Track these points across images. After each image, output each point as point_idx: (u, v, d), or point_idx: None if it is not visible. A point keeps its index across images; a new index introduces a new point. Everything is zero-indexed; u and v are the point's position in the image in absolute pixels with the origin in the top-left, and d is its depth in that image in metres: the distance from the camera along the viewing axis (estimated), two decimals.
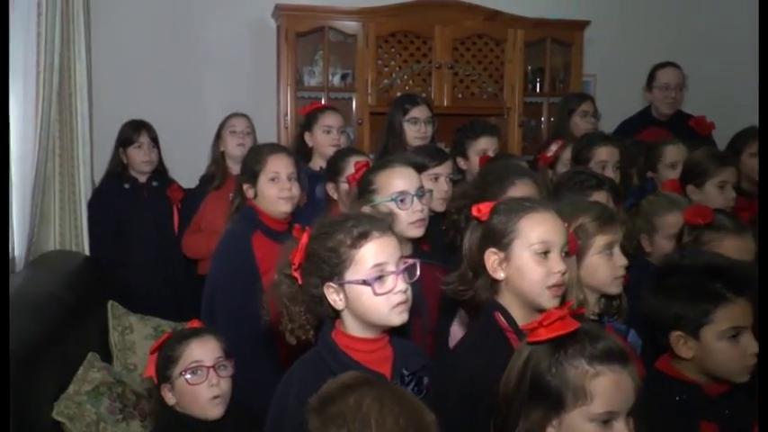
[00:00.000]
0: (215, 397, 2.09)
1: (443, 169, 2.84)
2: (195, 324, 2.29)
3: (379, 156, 3.45)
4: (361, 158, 2.77)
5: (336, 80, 4.58)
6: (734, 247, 2.18)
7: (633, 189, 3.19)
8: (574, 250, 1.94)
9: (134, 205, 3.72)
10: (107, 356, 3.06)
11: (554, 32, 4.74)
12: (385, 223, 1.68)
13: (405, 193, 2.24)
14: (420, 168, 2.61)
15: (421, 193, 2.29)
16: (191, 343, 2.14)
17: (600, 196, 2.49)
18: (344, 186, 2.76)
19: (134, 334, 3.22)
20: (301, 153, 3.37)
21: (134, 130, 3.74)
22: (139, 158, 3.73)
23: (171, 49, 4.49)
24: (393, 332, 1.71)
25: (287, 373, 1.74)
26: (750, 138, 3.34)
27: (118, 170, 3.76)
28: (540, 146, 4.17)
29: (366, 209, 2.19)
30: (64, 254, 3.56)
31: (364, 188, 2.32)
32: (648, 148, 3.48)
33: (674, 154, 3.35)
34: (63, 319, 2.74)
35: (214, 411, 2.10)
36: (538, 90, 4.86)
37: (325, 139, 3.46)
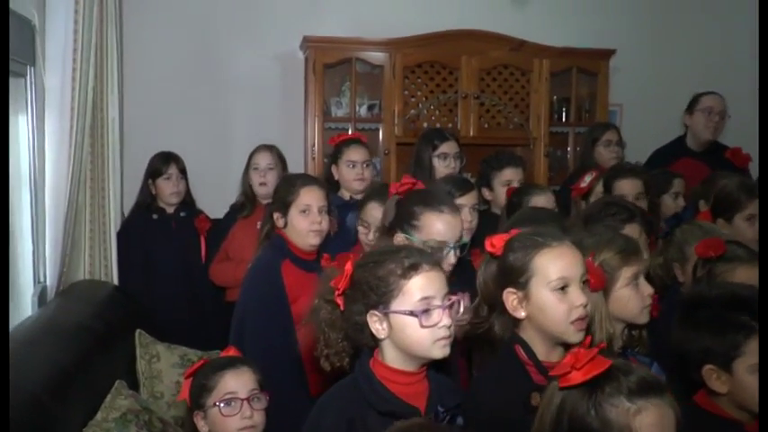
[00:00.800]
0: (245, 428, 2.09)
1: (467, 200, 2.84)
2: (231, 352, 2.29)
3: None
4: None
5: (363, 111, 4.61)
6: (747, 276, 2.15)
7: (669, 218, 3.15)
8: (601, 286, 1.92)
9: (162, 236, 3.77)
10: (134, 384, 3.07)
11: (580, 62, 4.75)
12: (435, 258, 1.69)
13: (445, 244, 2.17)
14: None
15: (458, 245, 2.22)
16: (226, 374, 2.14)
17: (632, 228, 2.46)
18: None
19: (161, 362, 3.23)
20: (330, 183, 3.39)
21: (163, 162, 3.80)
22: (168, 190, 3.78)
23: (200, 81, 4.57)
24: (436, 366, 1.70)
25: (320, 400, 1.73)
26: None
27: (147, 201, 3.82)
28: (569, 176, 4.16)
29: (400, 238, 2.20)
30: (93, 283, 3.60)
31: (406, 217, 2.22)
32: (704, 181, 3.40)
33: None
34: (92, 347, 2.76)
35: None
36: (564, 120, 4.85)
37: (350, 174, 3.46)
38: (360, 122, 4.56)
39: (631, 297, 1.99)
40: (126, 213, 3.92)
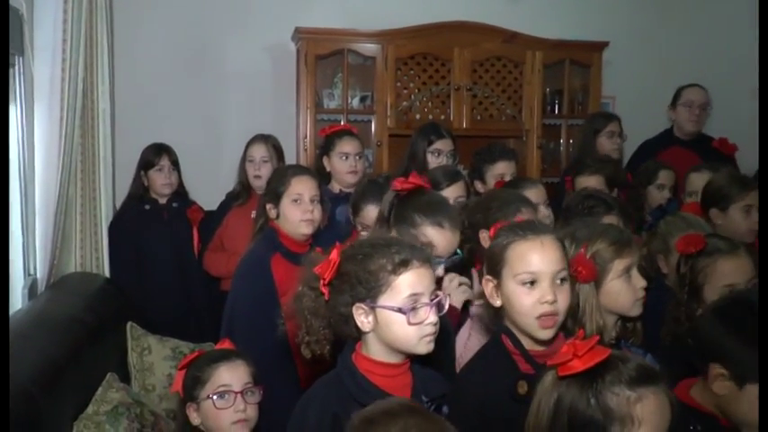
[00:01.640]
0: (238, 421, 2.09)
1: (452, 191, 2.85)
2: (226, 344, 2.28)
3: None
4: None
5: (356, 102, 4.60)
6: (729, 267, 2.15)
7: (654, 210, 3.16)
8: (592, 278, 1.93)
9: (154, 227, 3.75)
10: (126, 377, 3.07)
11: (573, 54, 4.74)
12: (425, 254, 1.68)
13: (437, 257, 2.10)
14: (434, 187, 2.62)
15: (450, 261, 2.19)
16: (220, 366, 2.14)
17: (610, 220, 2.46)
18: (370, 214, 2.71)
19: (152, 355, 3.23)
20: (321, 175, 3.38)
21: (155, 154, 3.77)
22: (160, 181, 3.76)
23: (192, 72, 4.55)
24: (419, 359, 1.70)
25: (304, 395, 1.73)
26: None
27: (139, 193, 3.80)
28: (567, 167, 4.16)
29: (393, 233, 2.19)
30: (84, 276, 3.59)
31: (405, 221, 2.18)
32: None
33: (695, 183, 3.33)
34: (83, 340, 2.75)
35: None
36: (556, 112, 4.85)
37: (342, 166, 3.44)
38: (352, 114, 4.55)
39: (623, 289, 1.99)
40: (118, 206, 3.90)
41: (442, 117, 4.51)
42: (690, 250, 2.22)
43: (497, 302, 1.79)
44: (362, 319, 1.64)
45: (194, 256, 3.78)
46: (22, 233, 3.37)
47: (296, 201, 2.69)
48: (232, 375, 2.13)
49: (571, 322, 1.90)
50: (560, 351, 1.41)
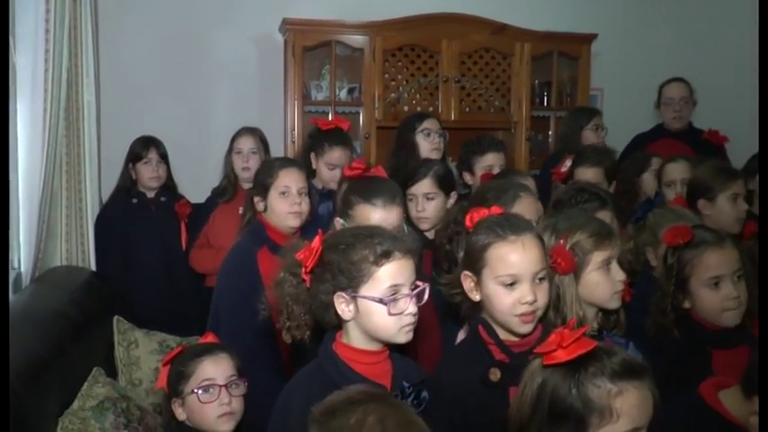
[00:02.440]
0: (224, 414, 2.08)
1: (418, 189, 2.83)
2: (209, 338, 2.27)
3: (390, 175, 3.42)
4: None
5: (343, 94, 4.58)
6: (715, 259, 2.15)
7: (641, 203, 3.17)
8: (571, 269, 1.93)
9: (142, 220, 3.71)
10: (112, 372, 3.04)
11: (561, 46, 4.74)
12: (407, 245, 1.69)
13: None
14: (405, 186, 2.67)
15: None
16: (204, 360, 2.12)
17: (603, 215, 2.45)
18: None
19: (139, 349, 3.20)
20: (307, 168, 3.34)
21: (143, 147, 3.73)
22: (148, 174, 3.72)
23: (178, 64, 4.51)
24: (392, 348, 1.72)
25: (285, 388, 1.74)
26: (748, 173, 3.28)
27: (127, 186, 3.76)
28: (549, 158, 4.16)
29: (339, 223, 2.26)
30: (70, 269, 3.56)
31: (344, 204, 2.30)
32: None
33: (673, 172, 3.34)
34: (68, 334, 2.73)
35: (223, 427, 2.09)
36: (545, 104, 4.85)
37: (328, 175, 3.32)
38: (340, 106, 4.53)
39: (601, 281, 1.98)
40: (104, 198, 3.86)
41: (431, 109, 4.48)
42: (677, 242, 2.22)
43: (476, 297, 1.79)
44: (343, 307, 1.66)
45: (182, 251, 3.74)
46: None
47: (283, 193, 2.67)
48: (216, 369, 2.12)
49: (553, 313, 1.91)
50: (547, 340, 1.41)
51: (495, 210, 1.88)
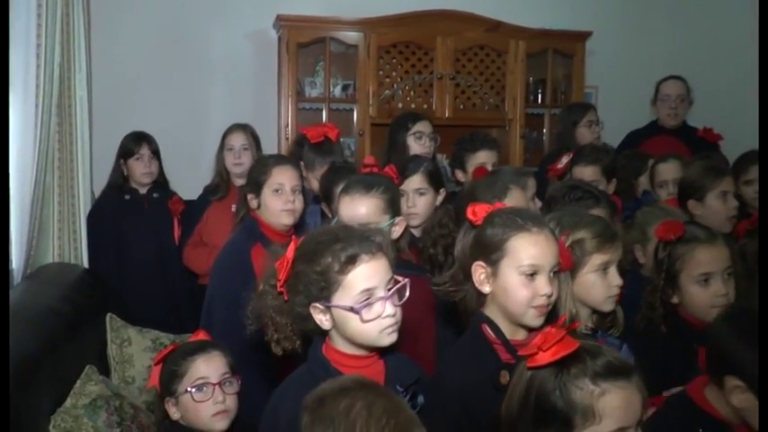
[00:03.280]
0: (218, 412, 2.08)
1: (409, 185, 2.81)
2: (200, 336, 2.26)
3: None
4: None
5: (337, 91, 4.57)
6: (706, 256, 2.16)
7: (630, 201, 3.18)
8: (568, 266, 1.91)
9: (134, 217, 3.69)
10: (105, 369, 3.03)
11: (556, 43, 4.74)
12: (375, 244, 1.62)
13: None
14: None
15: (390, 223, 2.25)
16: (196, 359, 2.11)
17: (597, 213, 2.45)
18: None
19: (132, 347, 3.19)
20: None
21: (135, 143, 3.71)
22: (140, 170, 3.70)
23: (172, 60, 4.48)
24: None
25: (274, 393, 1.71)
26: (747, 164, 3.29)
27: (119, 182, 3.74)
28: (546, 156, 4.16)
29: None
30: (62, 266, 3.54)
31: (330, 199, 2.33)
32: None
33: (664, 173, 3.34)
34: (61, 331, 2.71)
35: (218, 425, 2.09)
36: (539, 101, 4.85)
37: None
38: (334, 103, 4.52)
39: (597, 283, 1.98)
40: (96, 195, 3.84)
41: (425, 106, 4.49)
42: (669, 237, 2.23)
43: (487, 289, 1.76)
44: (320, 317, 1.63)
45: (175, 247, 3.73)
46: None
47: (277, 191, 2.67)
48: (209, 367, 2.11)
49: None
50: (531, 342, 1.40)
51: (499, 205, 1.86)
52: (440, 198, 2.88)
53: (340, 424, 1.31)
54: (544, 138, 4.90)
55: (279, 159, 2.84)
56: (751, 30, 3.96)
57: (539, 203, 2.89)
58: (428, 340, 2.32)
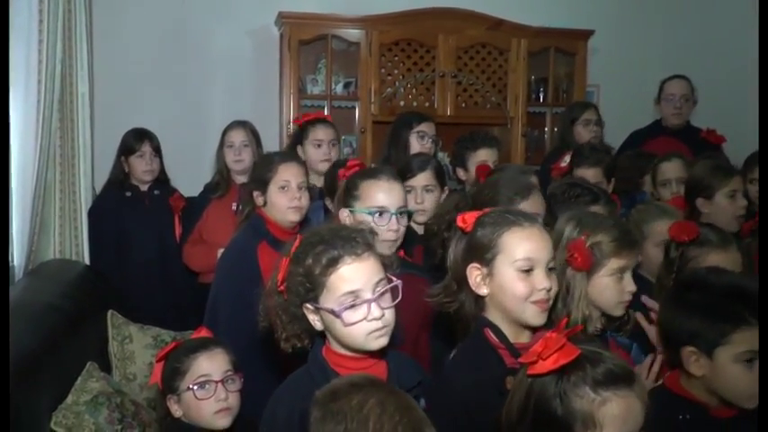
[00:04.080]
0: (221, 410, 2.07)
1: (419, 181, 2.83)
2: (202, 333, 2.25)
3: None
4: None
5: (339, 88, 4.56)
6: (719, 261, 2.14)
7: (624, 199, 3.18)
8: (586, 266, 1.92)
9: (135, 213, 3.68)
10: (106, 366, 3.02)
11: (558, 42, 4.73)
12: (360, 245, 1.59)
13: (384, 208, 2.20)
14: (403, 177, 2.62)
15: (402, 211, 2.24)
16: (199, 356, 2.11)
17: (595, 209, 2.46)
18: None
19: (134, 343, 3.18)
20: None
21: (136, 140, 3.70)
22: (141, 168, 3.70)
23: (173, 57, 4.48)
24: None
25: (274, 393, 1.70)
26: (753, 164, 3.28)
27: (119, 179, 3.73)
28: (548, 155, 4.16)
29: (344, 213, 2.23)
30: (63, 263, 3.53)
31: (349, 191, 2.28)
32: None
33: (667, 171, 3.34)
34: (62, 328, 2.70)
35: (220, 423, 2.08)
36: (541, 100, 4.85)
37: (316, 154, 3.41)
38: (336, 100, 4.51)
39: (609, 287, 1.97)
40: (97, 191, 3.83)
41: (427, 104, 4.48)
42: (682, 238, 2.22)
43: (484, 291, 1.74)
44: (312, 317, 1.62)
45: (176, 244, 3.72)
46: None
47: (283, 188, 2.66)
48: (211, 364, 2.10)
49: (561, 307, 1.91)
50: (530, 350, 1.38)
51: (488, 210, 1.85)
52: (443, 196, 2.89)
53: (353, 419, 1.29)
54: (545, 136, 4.90)
55: (285, 156, 2.84)
56: (752, 28, 3.98)
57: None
58: (426, 341, 2.32)
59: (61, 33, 3.39)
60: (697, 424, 1.72)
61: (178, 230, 3.75)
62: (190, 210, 3.76)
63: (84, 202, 3.64)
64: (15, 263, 3.33)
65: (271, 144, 4.08)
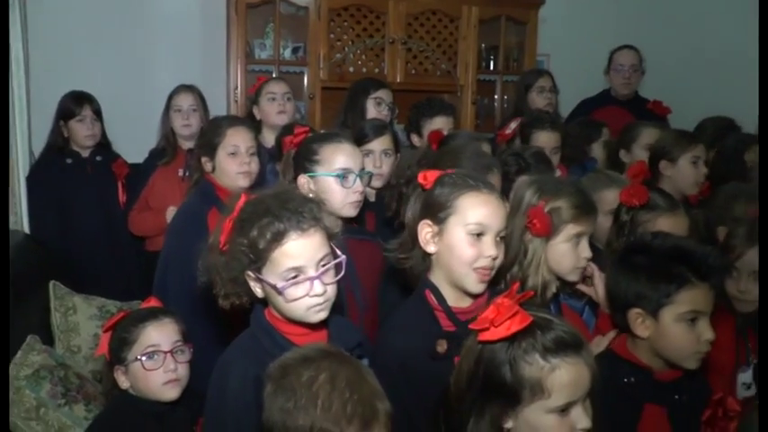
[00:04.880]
0: (169, 381, 2.03)
1: (378, 144, 2.81)
2: (152, 303, 2.19)
3: None
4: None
5: (288, 54, 4.50)
6: (668, 225, 2.20)
7: (573, 167, 3.21)
8: (545, 233, 1.93)
9: (77, 181, 3.57)
10: (48, 339, 2.93)
11: (509, 10, 4.72)
12: (306, 220, 1.57)
13: (348, 170, 2.20)
14: (359, 142, 2.62)
15: (364, 173, 2.26)
16: (147, 326, 2.05)
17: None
18: None
19: (78, 315, 3.09)
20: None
21: (76, 103, 3.58)
22: (82, 133, 3.58)
23: (116, 18, 4.33)
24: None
25: (220, 360, 1.68)
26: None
27: (59, 144, 3.61)
28: (500, 124, 4.18)
29: (303, 179, 2.20)
30: None
31: (306, 157, 2.25)
32: (624, 128, 3.47)
33: (651, 136, 3.36)
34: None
35: (169, 394, 2.04)
36: (491, 68, 4.86)
37: (271, 108, 3.45)
38: (284, 65, 4.45)
39: (567, 253, 1.99)
40: (35, 157, 3.70)
41: (376, 70, 4.45)
42: (633, 202, 2.27)
43: (432, 249, 1.76)
44: (253, 285, 1.61)
45: (120, 212, 3.63)
46: None
47: (232, 153, 2.62)
48: (160, 334, 2.05)
49: (517, 270, 1.94)
50: (480, 316, 1.38)
51: (451, 171, 1.85)
52: (395, 162, 2.87)
53: (302, 396, 1.30)
54: (495, 104, 4.92)
55: (233, 121, 2.79)
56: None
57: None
58: (364, 300, 2.29)
59: None
60: (640, 386, 1.77)
61: (122, 198, 3.66)
62: (135, 176, 3.67)
63: (22, 168, 3.51)
64: None
65: (218, 109, 4.01)
